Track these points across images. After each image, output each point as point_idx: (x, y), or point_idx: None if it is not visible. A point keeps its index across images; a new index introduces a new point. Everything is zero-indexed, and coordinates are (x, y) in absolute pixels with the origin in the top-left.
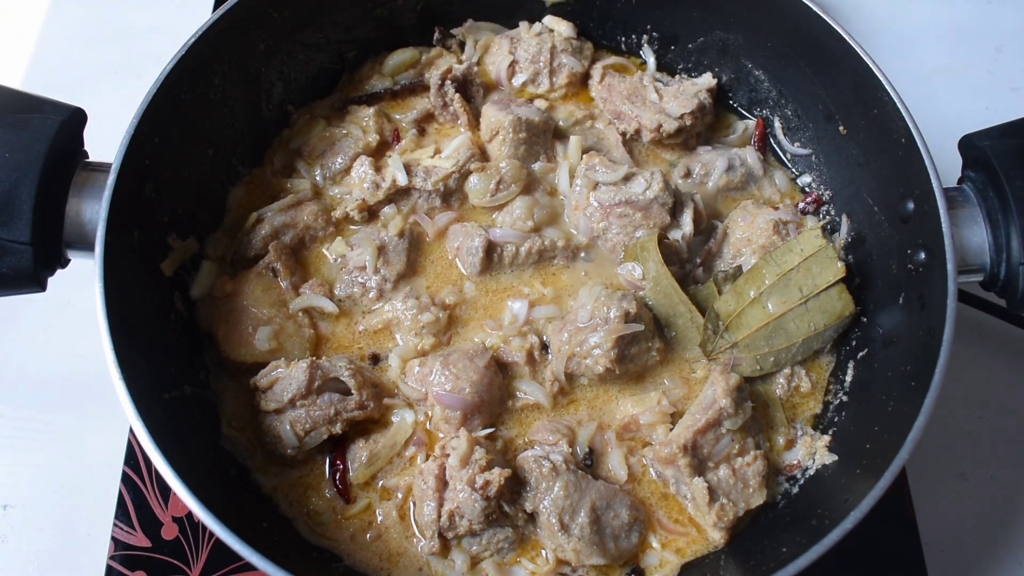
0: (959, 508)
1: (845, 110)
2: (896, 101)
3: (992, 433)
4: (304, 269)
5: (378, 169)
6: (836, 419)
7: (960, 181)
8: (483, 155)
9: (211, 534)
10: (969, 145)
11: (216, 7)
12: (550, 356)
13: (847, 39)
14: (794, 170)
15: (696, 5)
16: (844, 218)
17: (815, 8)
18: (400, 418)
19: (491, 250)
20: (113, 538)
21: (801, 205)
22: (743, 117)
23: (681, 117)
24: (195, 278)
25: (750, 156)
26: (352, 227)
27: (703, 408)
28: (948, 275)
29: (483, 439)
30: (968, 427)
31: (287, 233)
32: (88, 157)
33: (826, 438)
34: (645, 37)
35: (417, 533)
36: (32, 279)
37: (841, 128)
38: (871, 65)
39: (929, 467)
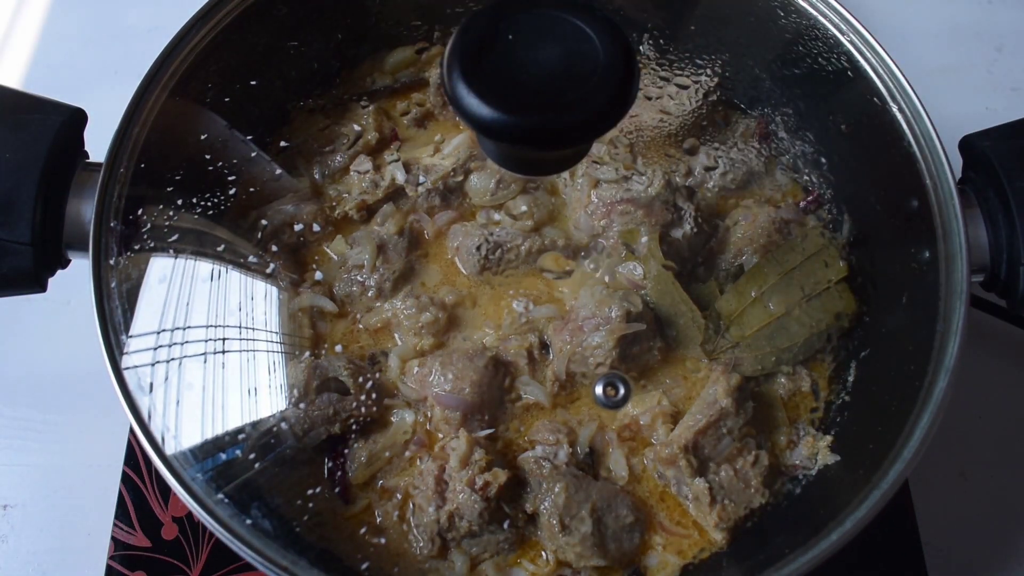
0: (959, 508)
1: (846, 108)
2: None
3: (992, 433)
4: (303, 268)
5: (377, 168)
6: (838, 419)
7: (960, 181)
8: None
9: (211, 534)
10: (969, 145)
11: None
12: (550, 356)
13: (849, 36)
14: (795, 168)
15: (697, 3)
16: (846, 217)
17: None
18: (400, 418)
19: (491, 249)
20: (113, 538)
21: (803, 204)
22: (744, 115)
23: (681, 115)
24: None
25: (751, 154)
26: (351, 225)
27: (704, 408)
28: (953, 274)
29: (483, 439)
30: (968, 427)
31: (286, 232)
32: (88, 158)
33: (828, 438)
34: (645, 35)
35: (416, 534)
36: (33, 280)
37: (843, 126)
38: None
39: (929, 467)
